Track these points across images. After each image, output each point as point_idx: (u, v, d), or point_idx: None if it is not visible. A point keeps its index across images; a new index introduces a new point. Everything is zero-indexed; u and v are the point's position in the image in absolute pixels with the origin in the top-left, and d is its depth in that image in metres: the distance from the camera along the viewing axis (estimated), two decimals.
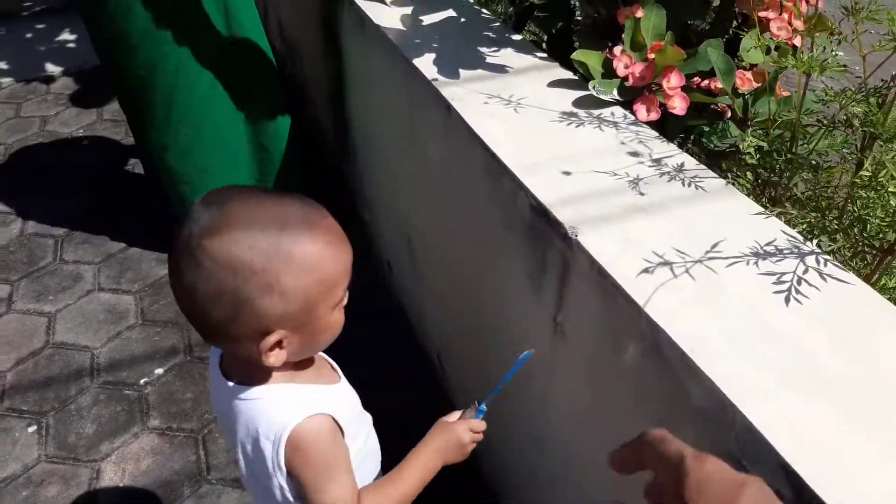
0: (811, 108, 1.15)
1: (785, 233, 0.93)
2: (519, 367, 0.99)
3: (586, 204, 0.99)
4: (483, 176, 1.19)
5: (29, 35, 3.74)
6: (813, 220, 0.98)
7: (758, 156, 1.17)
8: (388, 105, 1.70)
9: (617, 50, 1.27)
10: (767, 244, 0.91)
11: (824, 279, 0.86)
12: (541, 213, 1.01)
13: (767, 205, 1.14)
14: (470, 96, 1.28)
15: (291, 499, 0.87)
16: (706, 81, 1.32)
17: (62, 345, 2.02)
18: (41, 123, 3.07)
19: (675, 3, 1.36)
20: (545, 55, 1.42)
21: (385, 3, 1.66)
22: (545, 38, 1.80)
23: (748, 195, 1.16)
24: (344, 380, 0.98)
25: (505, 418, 1.41)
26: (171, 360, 1.97)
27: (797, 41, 1.30)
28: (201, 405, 1.83)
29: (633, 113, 1.21)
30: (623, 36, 1.28)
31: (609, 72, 1.27)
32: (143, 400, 1.85)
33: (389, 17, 1.61)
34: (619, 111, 1.21)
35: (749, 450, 0.70)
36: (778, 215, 0.97)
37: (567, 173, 1.05)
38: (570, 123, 1.18)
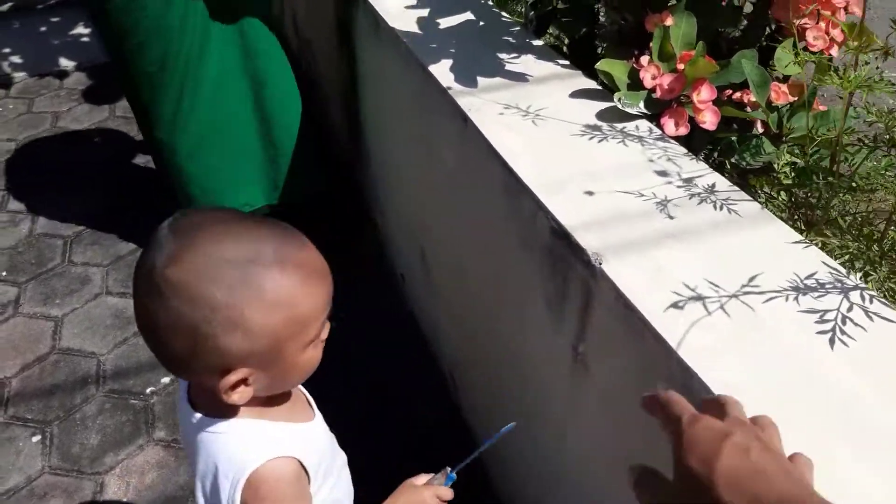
0: (851, 126, 1.08)
1: (826, 264, 0.87)
2: (498, 438, 0.94)
3: (611, 228, 0.93)
4: (500, 192, 1.12)
5: (43, 28, 3.71)
6: (855, 251, 0.91)
7: (793, 174, 1.11)
8: (403, 110, 1.64)
9: (644, 60, 1.21)
10: (808, 277, 0.85)
11: (870, 318, 0.79)
12: (562, 236, 0.95)
13: (803, 228, 1.07)
14: (487, 106, 1.22)
15: None
16: (738, 94, 1.25)
17: (68, 350, 1.98)
18: (53, 119, 3.03)
19: (705, 10, 1.29)
20: (567, 63, 1.35)
21: None
22: (567, 41, 1.73)
23: (782, 213, 1.10)
24: (318, 417, 0.92)
25: (520, 445, 1.35)
26: None
27: (834, 52, 1.23)
28: None
29: (660, 127, 1.15)
30: (651, 45, 1.21)
31: (635, 83, 1.20)
32: (148, 410, 1.81)
33: (405, 20, 1.55)
34: (644, 125, 1.15)
35: None
36: (818, 244, 0.91)
37: (590, 193, 0.99)
38: (592, 138, 1.11)
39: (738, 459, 0.50)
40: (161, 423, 1.78)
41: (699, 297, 0.82)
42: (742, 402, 0.69)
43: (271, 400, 0.81)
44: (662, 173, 1.01)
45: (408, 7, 1.61)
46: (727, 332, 0.77)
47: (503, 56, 1.39)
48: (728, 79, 1.18)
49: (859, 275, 0.86)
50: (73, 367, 1.93)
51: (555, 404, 1.12)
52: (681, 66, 1.19)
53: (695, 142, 1.22)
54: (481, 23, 1.53)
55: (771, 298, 0.82)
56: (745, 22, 1.38)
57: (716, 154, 1.37)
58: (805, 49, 1.18)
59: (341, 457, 0.98)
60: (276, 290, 0.70)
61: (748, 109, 1.24)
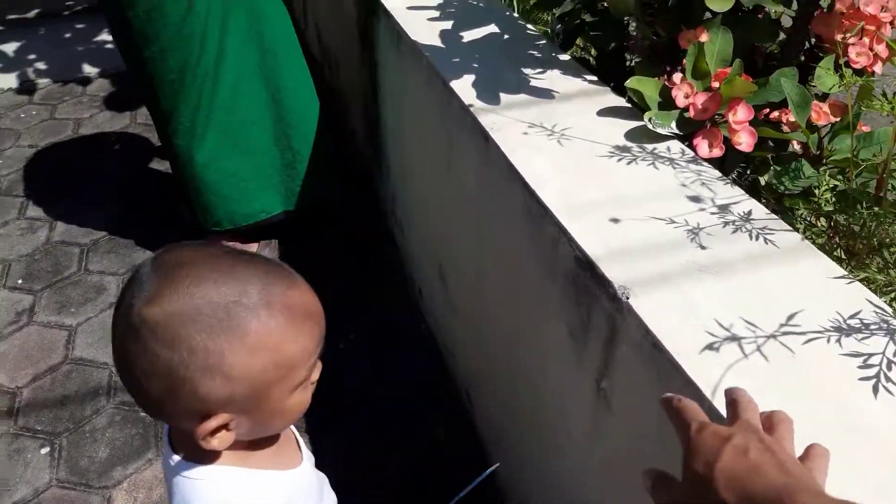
0: None
1: (871, 302, 0.80)
2: (479, 482, 0.89)
3: (639, 258, 0.87)
4: (522, 215, 1.07)
5: (68, 35, 3.72)
6: None
7: (834, 199, 1.04)
8: (424, 124, 1.59)
9: (676, 77, 1.15)
10: (851, 317, 0.78)
11: None
12: (586, 266, 0.89)
13: (843, 257, 1.01)
14: (510, 125, 1.17)
15: None
16: (776, 112, 1.19)
17: (81, 360, 1.95)
18: (75, 126, 3.03)
19: (742, 24, 1.23)
20: (594, 78, 1.30)
21: None
22: (594, 53, 1.68)
23: (819, 238, 1.03)
24: (306, 461, 0.86)
25: (538, 474, 1.30)
26: None
27: (878, 68, 1.16)
28: None
29: (692, 148, 1.09)
30: (684, 62, 1.15)
31: (667, 101, 1.14)
32: (158, 424, 1.77)
33: (427, 32, 1.50)
34: (676, 146, 1.09)
35: None
36: (862, 280, 0.84)
37: (617, 220, 0.93)
38: (621, 159, 1.06)
39: (736, 460, 0.53)
40: None
41: (734, 338, 0.76)
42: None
43: (256, 444, 0.76)
44: (695, 199, 0.96)
45: (431, 19, 1.57)
46: (764, 378, 0.71)
47: (528, 71, 1.34)
48: (766, 98, 1.12)
49: None
50: (84, 378, 1.90)
51: (575, 436, 1.07)
52: (715, 85, 1.13)
53: (728, 162, 1.17)
54: (506, 36, 1.49)
55: (811, 340, 0.76)
56: (783, 36, 1.32)
57: (749, 171, 1.31)
58: (846, 65, 1.11)
59: (330, 500, 0.93)
60: (261, 333, 0.65)
61: (785, 129, 1.18)
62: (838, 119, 1.13)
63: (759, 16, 1.31)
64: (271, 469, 0.77)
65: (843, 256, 1.01)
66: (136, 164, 2.80)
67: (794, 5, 1.29)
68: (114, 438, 1.75)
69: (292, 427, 0.86)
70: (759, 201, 1.13)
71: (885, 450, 0.65)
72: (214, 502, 0.72)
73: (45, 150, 2.89)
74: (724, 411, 0.68)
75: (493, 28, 1.50)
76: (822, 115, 1.12)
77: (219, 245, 0.71)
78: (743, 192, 0.97)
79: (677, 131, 1.11)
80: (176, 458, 0.74)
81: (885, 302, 0.81)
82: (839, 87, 0.98)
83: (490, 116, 1.20)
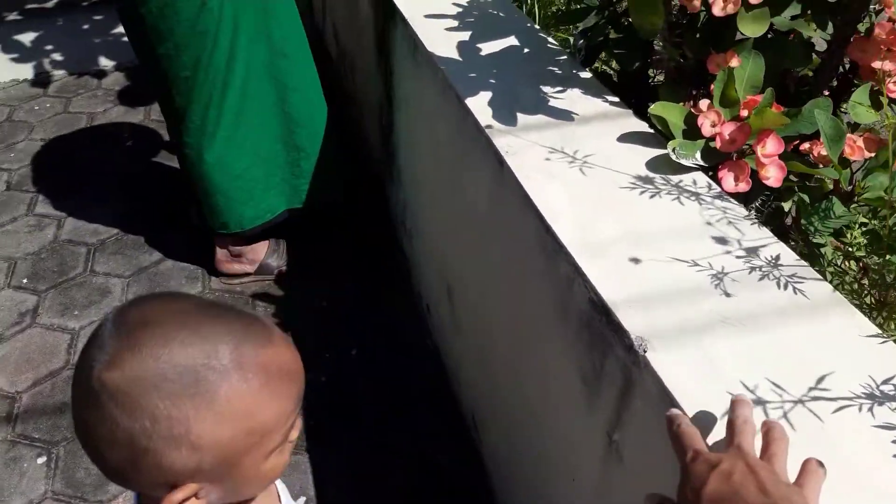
0: None
1: None
2: None
3: (659, 305, 0.82)
4: (535, 247, 1.02)
5: (86, 27, 3.69)
6: None
7: (865, 241, 0.98)
8: (437, 138, 1.54)
9: (703, 104, 1.09)
10: (885, 382, 0.73)
11: None
12: (602, 311, 0.84)
13: (874, 305, 0.95)
14: (527, 149, 1.12)
15: None
16: (806, 144, 1.13)
17: None
18: (88, 120, 3.00)
19: (774, 47, 1.17)
20: (616, 100, 1.24)
21: None
22: (615, 69, 1.62)
23: (851, 284, 0.97)
24: None
25: None
26: None
27: None
28: None
29: (717, 181, 1.03)
30: (712, 87, 1.09)
31: (692, 129, 1.08)
32: None
33: (445, 43, 1.45)
34: (701, 179, 1.03)
35: None
36: None
37: (637, 260, 0.88)
38: (643, 192, 1.00)
39: (720, 484, 0.57)
40: None
41: (759, 402, 0.70)
42: None
43: None
44: (721, 240, 0.90)
45: (449, 29, 1.51)
46: (793, 447, 0.66)
47: (547, 89, 1.28)
48: (797, 129, 1.06)
49: None
50: None
51: (583, 484, 1.01)
52: (744, 113, 1.07)
53: (752, 193, 1.11)
54: (526, 49, 1.43)
55: (842, 407, 0.70)
56: (816, 59, 1.26)
57: (772, 197, 1.25)
58: (883, 95, 1.05)
59: None
60: (231, 399, 0.60)
61: (815, 162, 1.12)
62: (873, 154, 1.07)
63: (792, 37, 1.25)
64: None
65: (874, 304, 0.95)
66: (147, 161, 2.77)
67: (830, 28, 1.22)
68: None
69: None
70: (787, 237, 1.08)
71: None
72: None
73: (57, 145, 2.86)
74: None
75: (512, 40, 1.45)
76: (856, 149, 1.06)
77: (188, 298, 0.65)
78: (771, 234, 0.92)
79: (702, 162, 1.05)
80: None
81: None
82: (879, 125, 0.92)
83: (505, 138, 1.15)
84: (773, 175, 1.02)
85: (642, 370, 0.77)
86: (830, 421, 0.69)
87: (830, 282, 0.86)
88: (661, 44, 1.25)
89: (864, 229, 0.98)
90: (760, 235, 0.91)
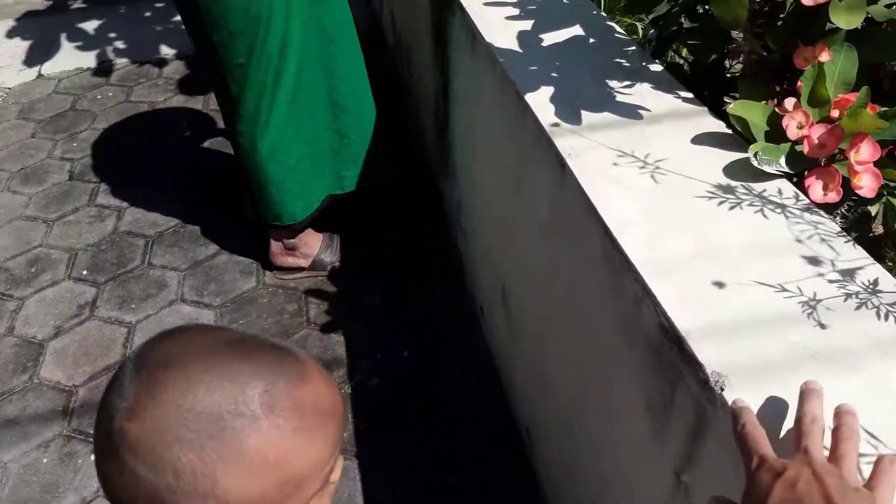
0: None
1: None
2: None
3: (739, 336, 0.73)
4: (599, 261, 0.94)
5: (148, 14, 3.72)
6: None
7: None
8: (494, 135, 1.46)
9: (789, 103, 0.98)
10: None
11: None
12: (673, 338, 0.76)
13: None
14: (591, 151, 1.03)
15: None
16: None
17: None
18: (149, 110, 3.02)
19: (868, 39, 1.05)
20: (690, 95, 1.14)
21: None
22: (685, 54, 1.51)
23: None
24: None
25: None
26: None
27: None
28: None
29: (803, 189, 0.93)
30: (799, 84, 0.98)
31: (776, 131, 0.98)
32: None
33: (504, 34, 1.37)
34: (788, 188, 0.93)
35: None
36: None
37: (716, 283, 0.79)
38: (721, 202, 0.91)
39: (785, 494, 0.55)
40: None
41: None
42: None
43: None
44: (813, 260, 0.80)
45: (509, 18, 1.43)
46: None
47: (614, 84, 1.19)
48: (893, 133, 0.95)
49: None
50: None
51: None
52: (835, 114, 0.96)
53: (841, 203, 1.00)
54: (591, 40, 1.34)
55: None
56: None
57: (854, 213, 1.13)
58: None
59: None
60: (262, 450, 0.54)
61: None
62: None
63: (885, 26, 1.12)
64: None
65: None
66: (205, 151, 2.77)
67: None
68: None
69: None
70: (878, 247, 0.97)
71: None
72: None
73: (118, 135, 2.88)
74: None
75: (577, 30, 1.36)
76: None
77: (214, 333, 0.59)
78: (867, 254, 0.81)
79: (786, 169, 0.95)
80: None
81: None
82: None
83: (568, 139, 1.07)
84: (867, 185, 0.91)
85: (718, 410, 0.69)
86: None
87: None
88: (741, 35, 1.15)
89: None
90: (857, 255, 0.81)
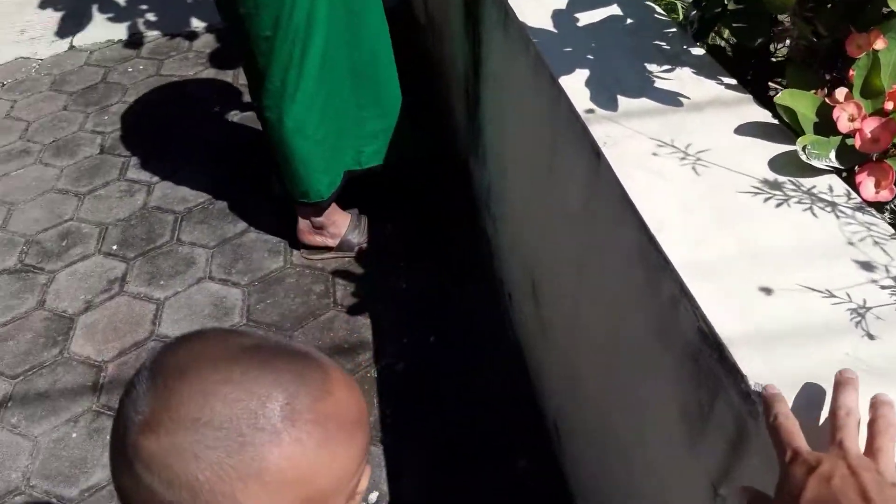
0: None
1: None
2: None
3: (784, 345, 0.69)
4: (635, 257, 0.90)
5: None
6: None
7: None
8: (526, 119, 1.42)
9: (840, 93, 0.93)
10: None
11: None
12: (713, 345, 0.72)
13: None
14: (628, 140, 0.99)
15: None
16: None
17: (165, 338, 1.93)
18: (179, 84, 3.01)
19: None
20: (733, 82, 1.09)
21: None
22: (729, 40, 1.45)
23: None
24: None
25: None
26: None
27: None
28: None
29: (853, 186, 0.88)
30: (852, 74, 0.93)
31: (825, 122, 0.93)
32: None
33: (538, 14, 1.32)
34: (839, 185, 0.88)
35: None
36: None
37: (759, 286, 0.75)
38: (767, 198, 0.86)
39: (820, 489, 0.53)
40: None
41: None
42: None
43: None
44: (865, 265, 0.76)
45: None
46: None
47: (653, 68, 1.14)
48: None
49: None
50: None
51: None
52: (889, 106, 0.91)
53: (891, 200, 0.95)
54: (629, 20, 1.28)
55: None
56: None
57: None
58: None
59: None
60: (283, 468, 0.51)
61: None
62: None
63: None
64: None
65: None
66: (235, 126, 2.75)
67: None
68: None
69: None
70: None
71: None
72: None
73: (148, 109, 2.88)
74: None
75: (614, 9, 1.30)
76: None
77: (234, 338, 0.57)
78: None
79: (836, 164, 0.89)
80: None
81: None
82: None
83: (604, 126, 1.02)
84: None
85: (761, 424, 0.65)
86: None
87: None
88: (789, 19, 1.09)
89: None
90: None
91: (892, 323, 0.70)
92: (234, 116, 2.80)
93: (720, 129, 0.98)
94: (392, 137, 2.05)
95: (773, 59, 1.33)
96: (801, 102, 0.94)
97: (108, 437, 1.65)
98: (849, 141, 0.90)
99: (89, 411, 1.76)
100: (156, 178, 2.50)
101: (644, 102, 1.06)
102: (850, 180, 0.89)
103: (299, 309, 1.97)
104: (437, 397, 1.72)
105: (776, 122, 0.99)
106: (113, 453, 0.54)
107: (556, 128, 1.19)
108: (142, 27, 3.41)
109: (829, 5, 1.06)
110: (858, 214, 0.82)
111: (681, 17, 1.35)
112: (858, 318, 0.70)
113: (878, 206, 0.91)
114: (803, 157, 0.89)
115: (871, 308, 0.71)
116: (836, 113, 0.91)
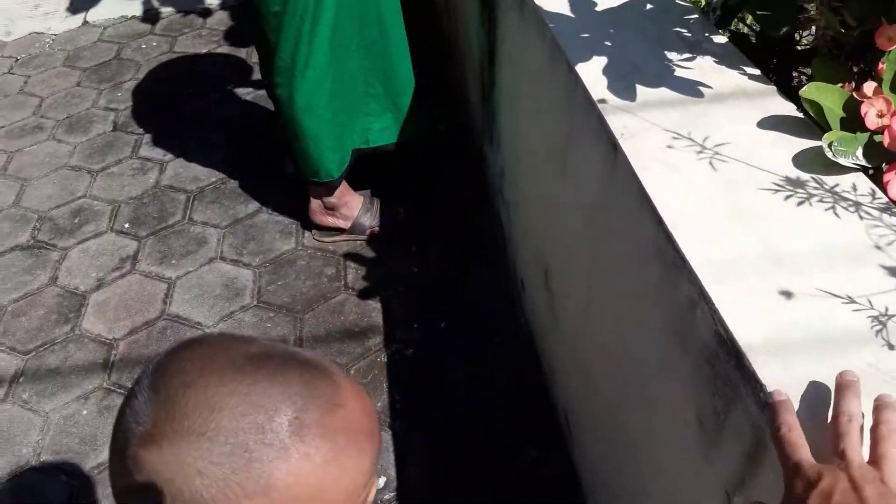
0: None
1: None
2: None
3: (805, 353, 0.67)
4: (651, 255, 0.88)
5: None
6: None
7: None
8: (542, 107, 1.39)
9: (868, 88, 0.90)
10: None
11: None
12: (730, 350, 0.70)
13: None
14: (647, 132, 0.96)
15: None
16: None
17: (176, 317, 1.93)
18: (192, 61, 2.99)
19: None
20: (757, 72, 1.06)
21: None
22: (752, 26, 1.41)
23: None
24: None
25: None
26: None
27: None
28: None
29: (881, 185, 0.85)
30: (881, 68, 0.89)
31: (852, 118, 0.90)
32: None
33: None
34: (863, 183, 0.85)
35: None
36: None
37: (779, 290, 0.72)
38: (789, 196, 0.83)
39: None
40: None
41: None
42: None
43: None
44: (891, 271, 0.73)
45: None
46: None
47: (673, 56, 1.11)
48: None
49: None
50: (178, 337, 1.88)
51: None
52: None
53: None
54: (648, 5, 1.25)
55: None
56: None
57: None
58: None
59: None
60: (291, 482, 0.50)
61: None
62: None
63: None
64: None
65: None
66: (248, 104, 2.73)
67: None
68: None
69: None
70: None
71: None
72: None
73: (161, 86, 2.87)
74: None
75: None
76: None
77: (241, 343, 0.55)
78: None
79: (863, 162, 0.86)
80: None
81: None
82: None
83: (622, 117, 1.00)
84: None
85: None
86: None
87: None
88: (815, 8, 1.05)
89: None
90: None
91: None
92: (248, 95, 2.78)
93: (742, 122, 0.96)
94: (404, 117, 2.02)
95: (798, 48, 1.29)
96: (828, 96, 0.91)
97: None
98: (877, 138, 0.87)
99: (100, 388, 1.76)
100: (168, 157, 2.49)
101: (663, 92, 1.04)
102: (878, 179, 0.86)
103: (310, 291, 1.96)
104: (448, 384, 1.71)
105: (800, 115, 0.96)
106: (113, 463, 0.53)
107: (572, 116, 1.16)
108: (156, 3, 3.38)
109: None
110: (885, 216, 0.80)
111: (703, 2, 1.31)
112: (880, 327, 0.68)
113: None
114: (829, 155, 0.86)
115: (892, 316, 0.69)
116: (864, 108, 0.88)
